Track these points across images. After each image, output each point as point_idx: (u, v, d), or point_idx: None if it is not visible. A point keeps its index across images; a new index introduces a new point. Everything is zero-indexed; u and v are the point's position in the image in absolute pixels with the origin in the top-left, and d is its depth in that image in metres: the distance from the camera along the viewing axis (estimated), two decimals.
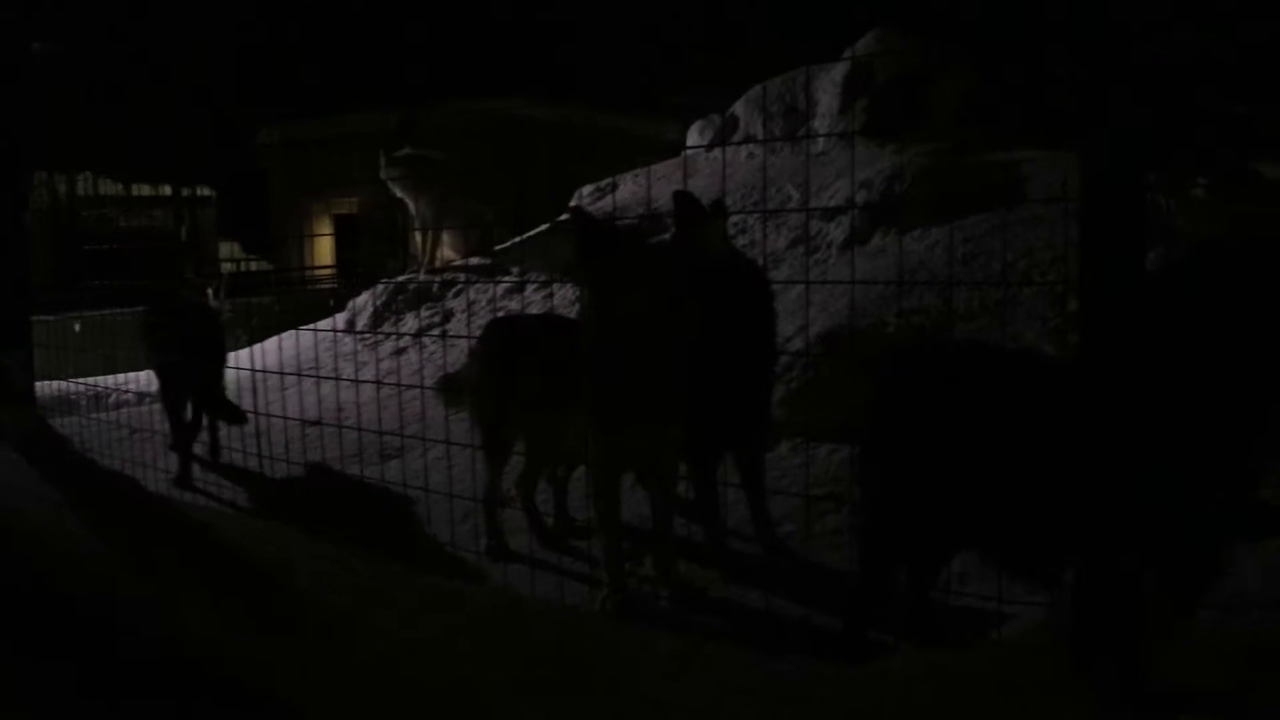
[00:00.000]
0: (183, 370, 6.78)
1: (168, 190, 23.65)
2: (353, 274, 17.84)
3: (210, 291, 7.77)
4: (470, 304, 9.14)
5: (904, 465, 3.41)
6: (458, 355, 8.19)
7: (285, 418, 5.68)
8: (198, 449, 6.96)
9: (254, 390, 6.81)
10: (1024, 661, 2.40)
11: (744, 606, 4.31)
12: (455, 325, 8.87)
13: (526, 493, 5.31)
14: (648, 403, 4.19)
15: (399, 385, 6.86)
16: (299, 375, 7.14)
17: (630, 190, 10.21)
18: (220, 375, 7.01)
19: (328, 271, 20.02)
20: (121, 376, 9.35)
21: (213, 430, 7.10)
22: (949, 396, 3.30)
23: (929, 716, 2.23)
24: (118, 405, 8.91)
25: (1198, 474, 2.88)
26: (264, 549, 3.80)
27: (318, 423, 5.96)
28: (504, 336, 5.32)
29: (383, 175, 10.34)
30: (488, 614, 3.22)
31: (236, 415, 6.66)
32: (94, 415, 7.87)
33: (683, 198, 5.02)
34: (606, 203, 10.22)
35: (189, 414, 6.97)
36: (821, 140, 9.61)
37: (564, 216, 10.30)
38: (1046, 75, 8.92)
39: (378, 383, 7.24)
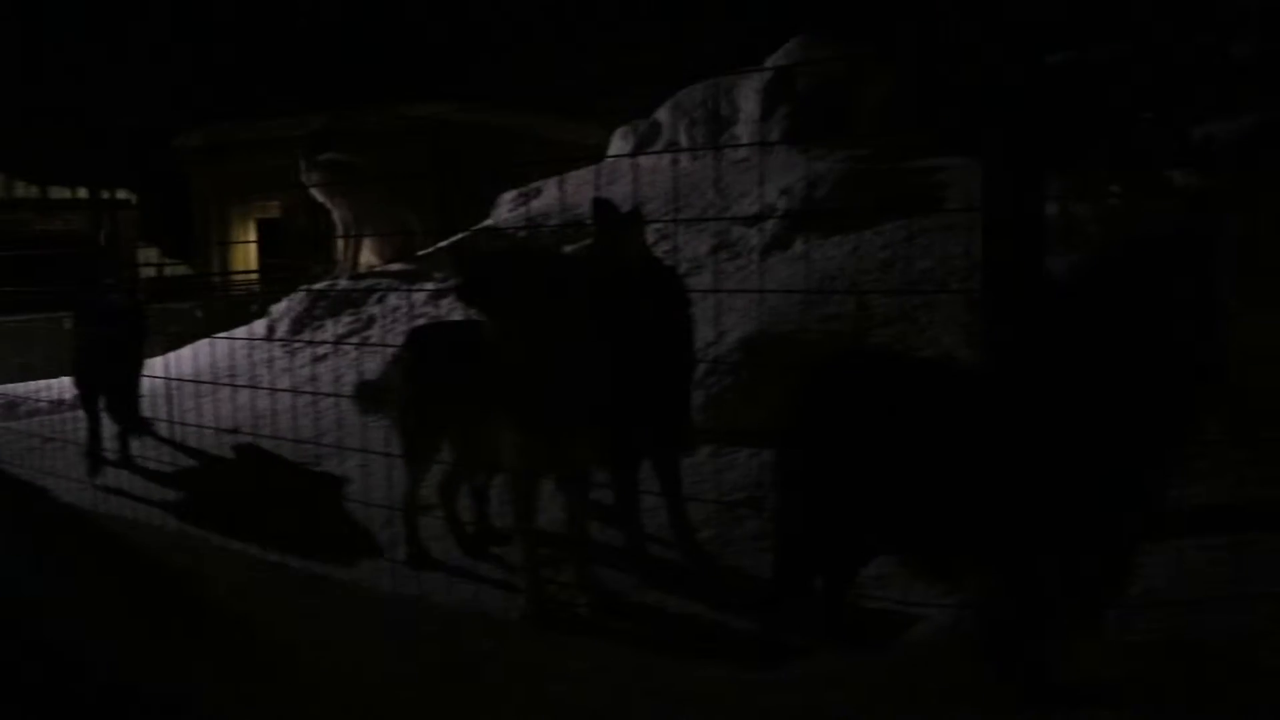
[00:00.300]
0: (105, 370, 6.87)
1: (85, 193, 23.21)
2: (276, 279, 17.64)
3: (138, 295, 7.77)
4: (393, 310, 9.08)
5: (820, 472, 3.44)
6: (380, 362, 8.14)
7: (200, 425, 5.61)
8: (111, 456, 6.88)
9: (170, 398, 6.73)
10: (931, 664, 2.43)
11: (662, 612, 4.33)
12: (377, 331, 8.80)
13: (448, 500, 5.29)
14: (561, 408, 4.21)
15: (315, 394, 6.80)
16: (213, 384, 7.05)
17: (553, 195, 10.20)
18: (135, 379, 6.98)
19: (251, 276, 19.78)
20: (38, 384, 9.20)
21: (124, 436, 7.04)
22: (863, 405, 3.34)
23: None
24: (31, 414, 8.74)
25: (1105, 478, 2.94)
26: (175, 557, 3.76)
27: (234, 430, 5.90)
28: (425, 344, 5.30)
29: (303, 179, 10.24)
30: (404, 621, 3.21)
31: (136, 424, 6.60)
32: (4, 424, 7.73)
33: (602, 205, 5.06)
34: (530, 207, 10.21)
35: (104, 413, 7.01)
36: (743, 147, 9.67)
37: (485, 223, 10.28)
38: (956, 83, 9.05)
39: (295, 391, 7.17)
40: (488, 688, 2.63)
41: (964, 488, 2.63)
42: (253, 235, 21.41)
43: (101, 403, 7.02)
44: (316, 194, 10.47)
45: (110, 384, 7.04)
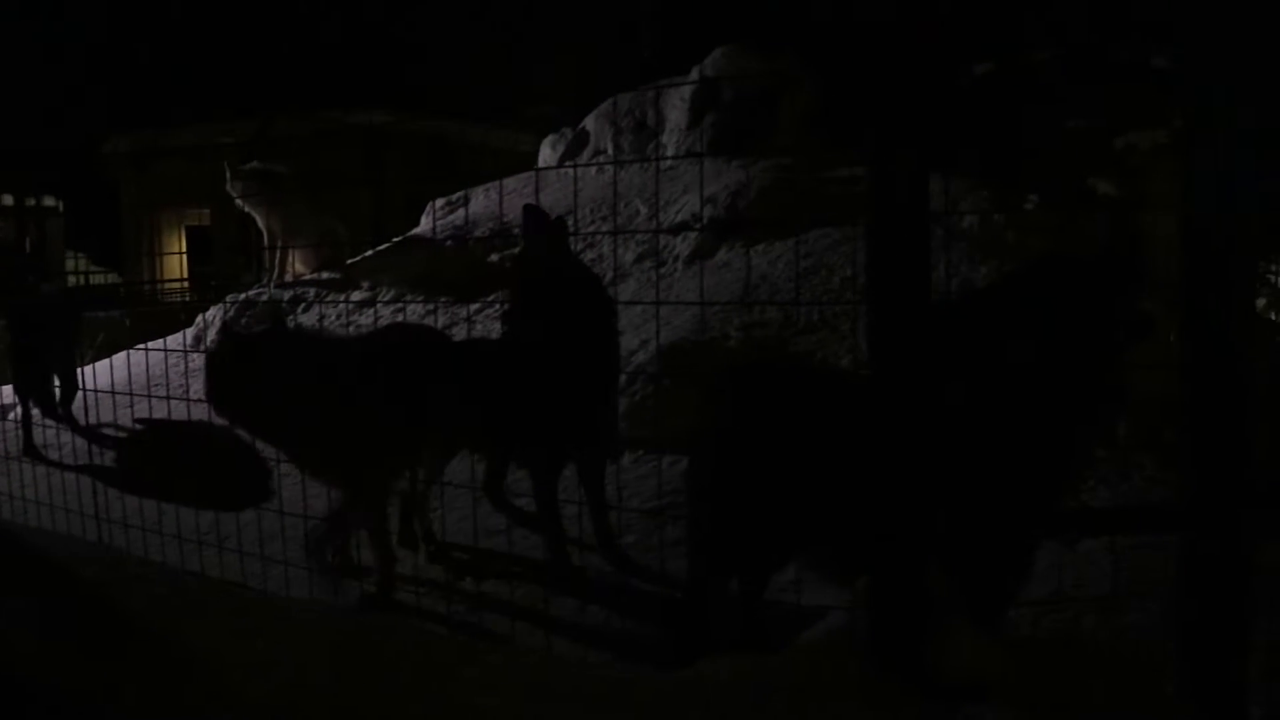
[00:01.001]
0: (45, 363, 7.51)
1: (9, 200, 22.88)
2: (205, 288, 17.51)
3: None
4: (320, 319, 9.07)
5: (727, 479, 3.54)
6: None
7: (119, 430, 5.59)
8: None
9: (91, 409, 6.72)
10: (825, 663, 2.52)
11: (583, 616, 4.40)
12: None
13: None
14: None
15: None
16: (131, 395, 7.02)
17: (482, 204, 10.24)
18: (73, 368, 7.70)
19: (179, 285, 19.60)
20: None
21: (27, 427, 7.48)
22: (767, 413, 3.44)
23: (727, 717, 2.34)
24: None
25: (1003, 482, 3.06)
26: (89, 569, 3.77)
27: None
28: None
29: (229, 190, 10.18)
30: (311, 629, 3.26)
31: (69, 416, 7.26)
32: None
33: (531, 212, 5.15)
34: (459, 215, 10.24)
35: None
36: (670, 156, 9.77)
37: (416, 230, 10.30)
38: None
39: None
40: (395, 691, 2.69)
41: (856, 492, 2.72)
42: (182, 243, 21.23)
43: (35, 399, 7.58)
44: (243, 205, 10.42)
45: (50, 374, 7.64)
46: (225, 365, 4.54)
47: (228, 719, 2.61)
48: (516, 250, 5.34)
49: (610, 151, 10.29)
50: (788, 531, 3.46)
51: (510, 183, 10.10)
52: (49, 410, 7.66)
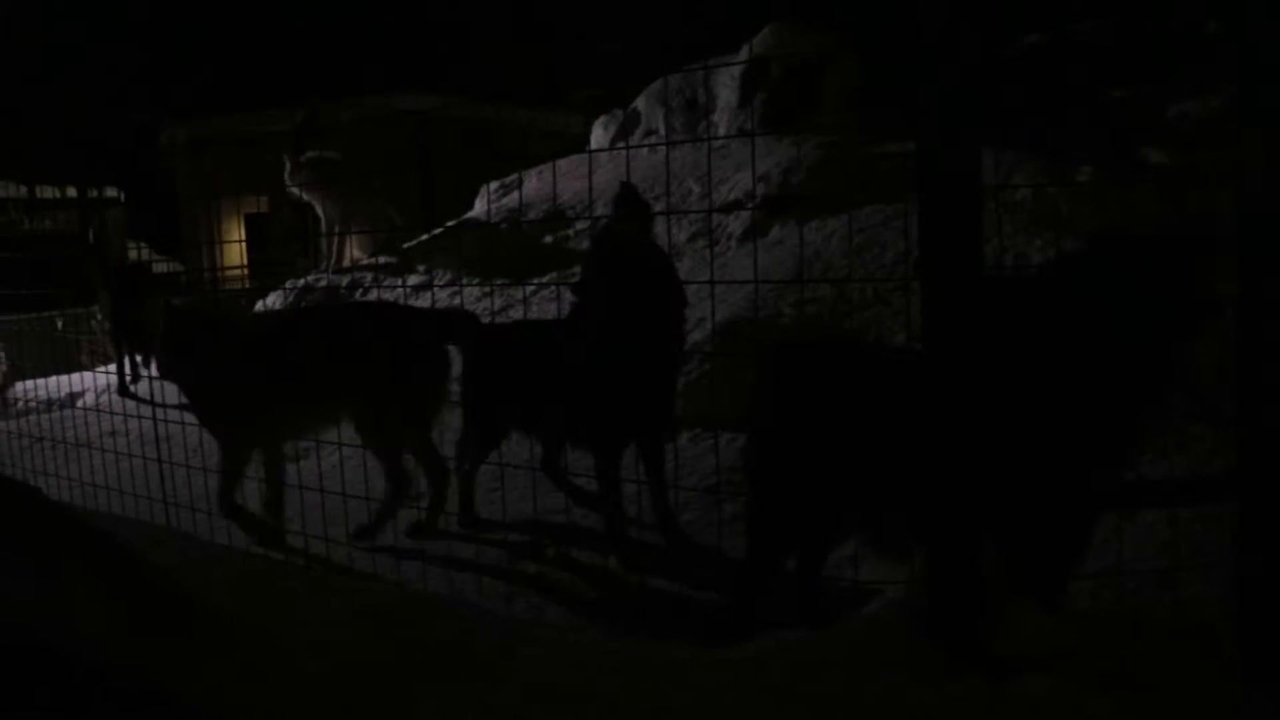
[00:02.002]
0: None
1: (73, 192, 23.17)
2: (264, 274, 17.70)
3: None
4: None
5: (787, 455, 3.55)
6: None
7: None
8: None
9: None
10: (881, 637, 2.55)
11: (642, 593, 4.44)
12: None
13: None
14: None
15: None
16: None
17: (535, 186, 10.29)
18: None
19: (239, 272, 19.81)
20: (28, 384, 9.30)
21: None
22: (826, 390, 3.45)
23: (778, 693, 2.37)
24: (23, 413, 8.85)
25: (1061, 457, 3.06)
26: (157, 552, 3.85)
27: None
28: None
29: (287, 182, 10.32)
30: (372, 608, 3.32)
31: None
32: None
33: (628, 191, 5.10)
34: (512, 198, 10.29)
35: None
36: (721, 134, 9.76)
37: (470, 214, 10.37)
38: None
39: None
40: (455, 669, 2.74)
41: (912, 468, 2.74)
42: (240, 231, 21.43)
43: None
44: (301, 194, 10.56)
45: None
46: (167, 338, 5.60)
47: (290, 697, 2.67)
48: (599, 226, 5.31)
49: (661, 131, 10.30)
50: (845, 508, 3.48)
51: (563, 164, 10.13)
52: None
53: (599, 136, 11.34)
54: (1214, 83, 11.09)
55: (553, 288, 7.84)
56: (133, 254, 10.62)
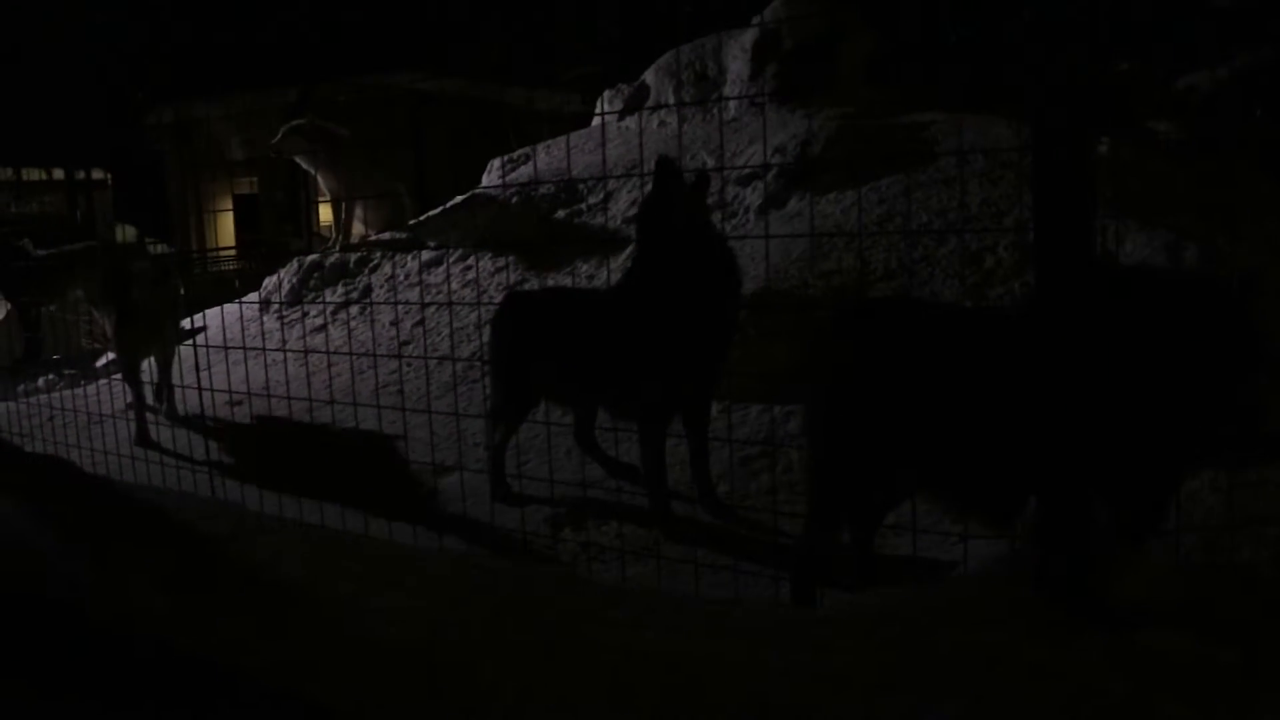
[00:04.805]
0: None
1: (60, 174, 22.99)
2: (256, 255, 17.58)
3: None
4: (388, 279, 9.09)
5: (865, 419, 3.46)
6: (380, 330, 8.18)
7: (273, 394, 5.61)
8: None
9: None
10: (989, 591, 2.50)
11: (690, 564, 4.38)
12: (379, 299, 8.82)
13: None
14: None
15: (374, 354, 6.85)
16: (260, 349, 7.07)
17: (544, 161, 10.20)
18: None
19: (229, 253, 19.68)
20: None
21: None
22: (917, 350, 3.37)
23: (897, 649, 2.32)
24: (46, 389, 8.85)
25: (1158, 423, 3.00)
26: (214, 524, 3.79)
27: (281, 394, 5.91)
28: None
29: (281, 145, 10.21)
30: (443, 578, 3.26)
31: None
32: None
33: (666, 166, 4.91)
34: (519, 174, 10.21)
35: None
36: (733, 106, 9.69)
37: (478, 190, 10.28)
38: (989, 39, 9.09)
39: (353, 353, 7.19)
40: (546, 629, 2.69)
41: (1018, 428, 2.69)
42: (223, 212, 21.28)
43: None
44: (300, 161, 10.45)
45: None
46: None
47: (373, 669, 2.60)
48: (644, 200, 5.19)
49: (671, 103, 10.21)
50: (919, 466, 3.42)
51: (573, 139, 10.06)
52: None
53: (605, 111, 11.23)
54: (1223, 54, 11.08)
55: (572, 266, 7.81)
56: (120, 236, 10.60)
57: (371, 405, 5.59)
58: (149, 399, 7.48)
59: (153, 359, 7.57)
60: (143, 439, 6.95)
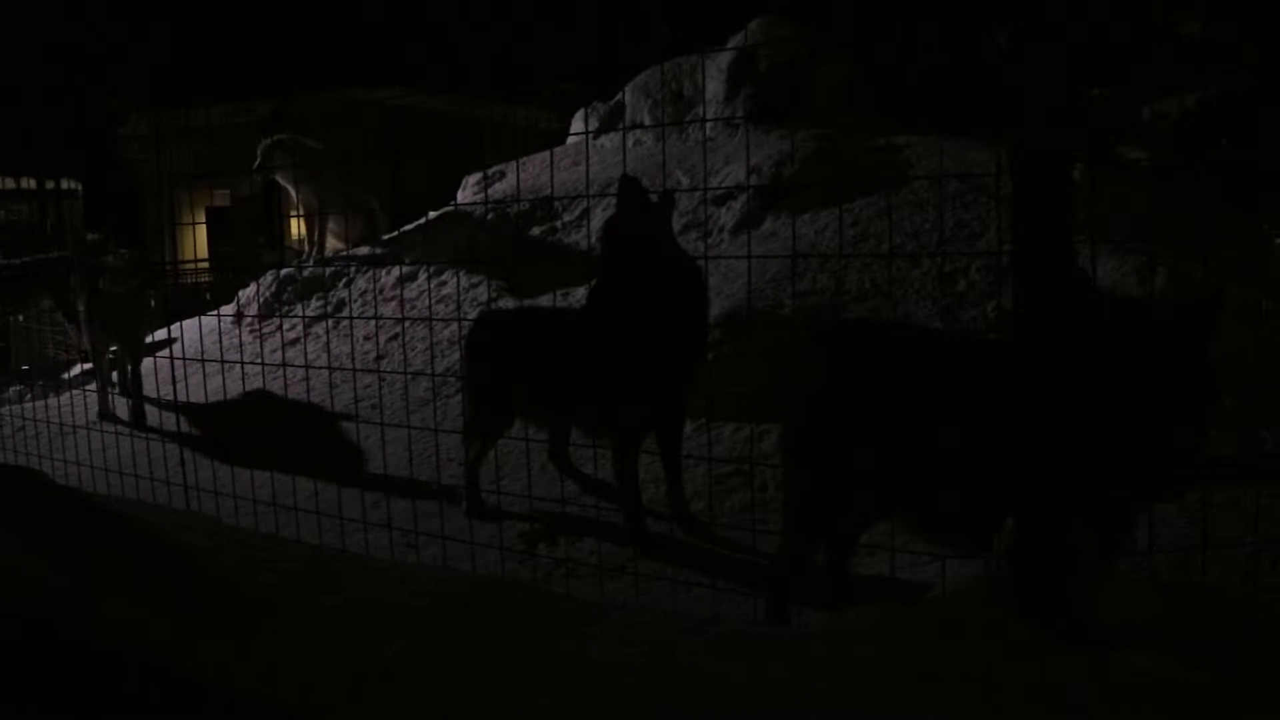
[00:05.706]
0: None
1: (31, 183, 22.79)
2: (228, 267, 17.50)
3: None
4: (361, 294, 9.07)
5: (841, 440, 3.47)
6: (356, 345, 8.16)
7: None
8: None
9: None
10: (965, 610, 2.53)
11: (666, 581, 4.39)
12: (354, 313, 8.80)
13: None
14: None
15: (353, 369, 6.86)
16: (237, 362, 7.03)
17: (519, 179, 10.21)
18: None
19: (201, 265, 19.57)
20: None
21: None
22: (889, 373, 3.39)
23: (876, 668, 2.33)
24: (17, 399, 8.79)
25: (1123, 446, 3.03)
26: (188, 535, 3.78)
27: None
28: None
29: (263, 164, 10.19)
30: (429, 592, 3.27)
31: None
32: None
33: (629, 184, 4.98)
34: (494, 190, 10.21)
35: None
36: (709, 127, 9.73)
37: (451, 206, 10.28)
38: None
39: (355, 369, 7.16)
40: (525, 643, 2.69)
41: (994, 451, 2.72)
42: (195, 224, 21.15)
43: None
44: (280, 178, 10.43)
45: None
46: None
47: (356, 682, 2.60)
48: (608, 219, 5.22)
49: (648, 124, 10.25)
50: (896, 486, 3.43)
51: (542, 156, 10.08)
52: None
53: (581, 129, 11.24)
54: (1190, 81, 11.22)
55: (547, 283, 7.83)
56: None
57: (350, 418, 5.56)
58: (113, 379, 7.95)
59: (121, 350, 7.87)
60: (104, 414, 7.53)
